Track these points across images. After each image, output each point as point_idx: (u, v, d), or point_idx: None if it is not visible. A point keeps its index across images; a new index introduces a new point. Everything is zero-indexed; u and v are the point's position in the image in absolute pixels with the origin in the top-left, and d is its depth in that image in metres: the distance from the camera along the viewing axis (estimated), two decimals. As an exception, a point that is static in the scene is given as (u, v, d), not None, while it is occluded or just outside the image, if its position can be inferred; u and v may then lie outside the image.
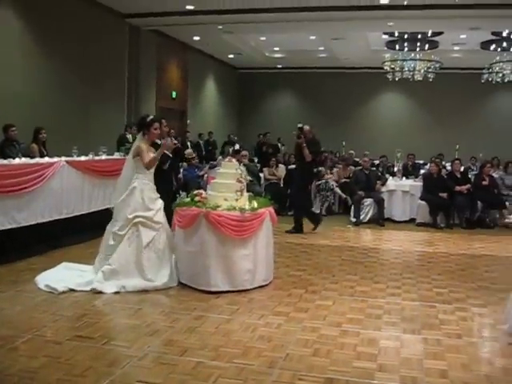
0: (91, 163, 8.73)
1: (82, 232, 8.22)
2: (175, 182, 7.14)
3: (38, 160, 7.92)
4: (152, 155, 6.22)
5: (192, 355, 4.25)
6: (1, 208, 6.88)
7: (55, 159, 8.04)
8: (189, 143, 16.48)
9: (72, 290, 5.85)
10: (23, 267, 6.83)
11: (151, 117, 6.47)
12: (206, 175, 11.72)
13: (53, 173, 7.75)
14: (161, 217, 6.26)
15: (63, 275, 6.24)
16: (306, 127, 9.90)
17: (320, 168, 12.32)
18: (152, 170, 6.30)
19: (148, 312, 5.37)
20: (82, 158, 8.73)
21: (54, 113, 11.35)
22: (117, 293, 5.81)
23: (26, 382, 3.77)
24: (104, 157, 9.09)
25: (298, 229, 10.01)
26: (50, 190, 7.76)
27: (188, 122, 18.24)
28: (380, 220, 11.28)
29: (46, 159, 8.06)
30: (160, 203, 6.31)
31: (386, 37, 16.75)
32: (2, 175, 6.87)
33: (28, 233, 7.34)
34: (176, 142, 7.28)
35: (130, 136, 11.80)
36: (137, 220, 6.08)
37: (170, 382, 3.80)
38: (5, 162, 7.23)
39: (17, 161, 7.44)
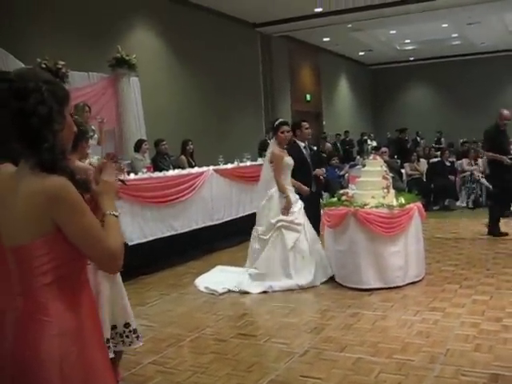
0: (237, 170, 9.10)
1: (232, 236, 8.59)
2: (315, 186, 7.13)
3: (189, 170, 8.42)
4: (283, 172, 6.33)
5: (351, 351, 4.34)
6: (159, 217, 7.44)
7: (204, 168, 8.50)
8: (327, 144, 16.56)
9: (230, 291, 6.18)
10: (183, 271, 7.32)
11: (279, 120, 6.60)
12: (346, 174, 11.77)
13: (203, 181, 8.21)
14: (301, 218, 6.38)
15: (220, 277, 6.61)
16: (505, 111, 8.43)
17: None
18: (288, 174, 6.43)
19: (303, 310, 5.55)
20: (229, 166, 9.14)
21: (198, 125, 11.95)
22: (264, 292, 6.05)
23: (198, 375, 4.07)
24: (248, 163, 9.43)
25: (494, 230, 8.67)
26: (202, 197, 8.21)
27: (323, 123, 18.35)
28: (534, 210, 10.65)
29: (196, 169, 8.54)
30: (300, 204, 6.44)
31: (525, 16, 15.82)
32: (159, 187, 7.42)
33: (184, 239, 7.84)
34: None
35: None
36: (280, 224, 6.27)
37: (333, 377, 3.91)
38: (160, 174, 7.77)
39: (171, 172, 7.97)
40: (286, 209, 6.25)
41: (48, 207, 1.71)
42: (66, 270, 1.79)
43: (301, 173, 6.69)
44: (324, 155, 12.68)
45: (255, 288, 6.11)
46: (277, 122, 6.52)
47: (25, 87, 1.75)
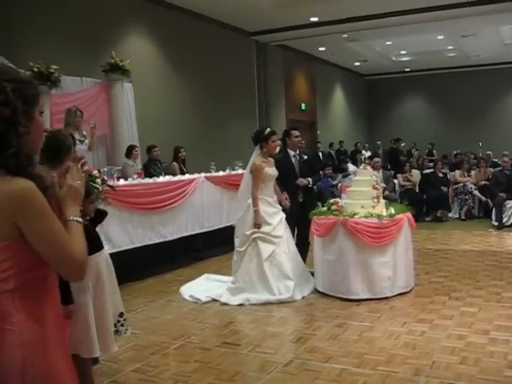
0: (228, 177, 9.07)
1: (223, 244, 8.53)
2: (301, 194, 6.99)
3: (180, 177, 8.38)
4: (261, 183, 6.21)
5: (336, 362, 4.29)
6: (148, 223, 7.39)
7: (195, 175, 8.46)
8: (320, 154, 16.57)
9: (214, 300, 6.13)
10: (171, 278, 7.27)
11: (268, 129, 6.51)
12: (339, 184, 11.73)
13: (194, 188, 8.18)
14: (281, 230, 6.23)
15: (205, 286, 6.57)
16: None
17: None
18: (269, 185, 6.32)
19: (290, 320, 5.52)
20: (220, 173, 9.10)
21: (191, 132, 11.91)
22: (241, 305, 5.95)
23: (180, 384, 4.02)
24: (240, 171, 9.38)
25: None
26: (192, 204, 8.18)
27: (318, 132, 18.35)
28: (525, 222, 10.66)
29: (187, 176, 8.50)
30: (280, 217, 6.29)
31: (520, 29, 15.91)
32: (148, 193, 7.38)
33: (174, 246, 7.79)
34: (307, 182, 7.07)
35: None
36: (255, 236, 6.16)
37: (316, 387, 3.87)
38: (150, 180, 7.73)
39: (161, 179, 7.93)
40: (256, 225, 6.13)
41: (12, 211, 1.65)
42: (28, 276, 1.72)
43: (288, 182, 6.62)
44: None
45: (233, 301, 6.00)
46: (267, 131, 6.42)
47: None
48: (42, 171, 1.98)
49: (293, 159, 6.91)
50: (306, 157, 7.08)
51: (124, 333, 3.76)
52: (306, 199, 6.91)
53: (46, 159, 3.29)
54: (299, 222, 6.64)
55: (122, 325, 3.73)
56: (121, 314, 3.74)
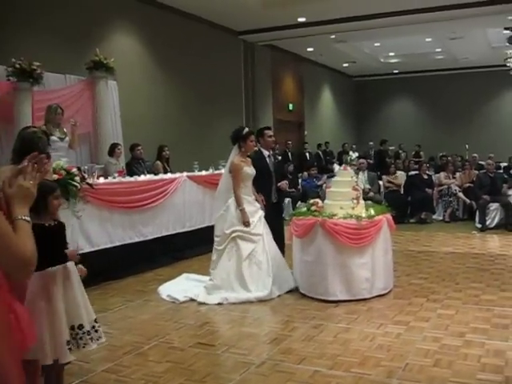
0: (211, 177, 9.01)
1: (204, 244, 8.48)
2: (275, 195, 6.99)
3: (161, 176, 8.33)
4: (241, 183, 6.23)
5: (309, 364, 4.26)
6: (129, 222, 7.35)
7: (177, 174, 8.42)
8: (307, 154, 16.57)
9: (192, 300, 6.09)
10: (150, 277, 7.23)
11: (247, 129, 6.51)
12: (324, 185, 11.74)
13: (175, 188, 8.14)
14: (260, 228, 6.25)
15: (184, 286, 6.52)
16: None
17: None
18: (248, 184, 6.33)
19: (267, 320, 5.49)
20: (203, 173, 9.06)
21: (177, 131, 11.86)
22: (219, 304, 5.93)
23: (151, 385, 3.98)
24: (223, 170, 9.35)
25: None
26: (173, 204, 8.14)
27: (305, 133, 18.34)
28: (508, 225, 10.67)
29: (169, 175, 8.45)
30: (259, 215, 6.31)
31: (507, 32, 15.93)
32: (129, 192, 7.33)
33: (154, 245, 7.74)
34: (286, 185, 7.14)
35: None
36: (234, 234, 6.16)
37: (287, 389, 3.84)
38: (131, 179, 7.67)
39: (142, 177, 7.88)
40: (245, 223, 6.15)
41: None
42: None
43: (262, 182, 6.58)
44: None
45: (211, 300, 5.98)
46: (246, 130, 6.41)
47: None
48: (7, 170, 1.94)
49: (267, 159, 6.86)
50: (280, 157, 7.08)
51: (83, 347, 3.59)
52: (279, 199, 6.91)
53: (18, 159, 3.25)
54: (273, 223, 6.60)
55: (81, 338, 3.58)
56: (79, 327, 3.54)
